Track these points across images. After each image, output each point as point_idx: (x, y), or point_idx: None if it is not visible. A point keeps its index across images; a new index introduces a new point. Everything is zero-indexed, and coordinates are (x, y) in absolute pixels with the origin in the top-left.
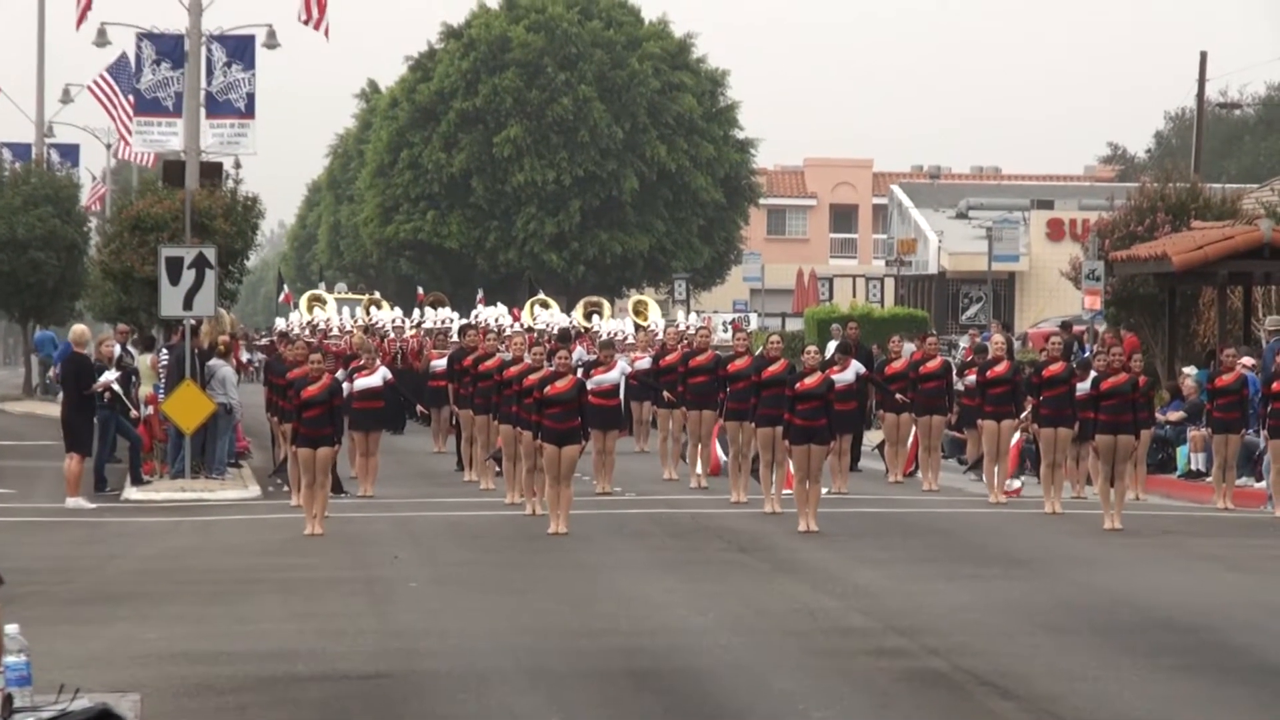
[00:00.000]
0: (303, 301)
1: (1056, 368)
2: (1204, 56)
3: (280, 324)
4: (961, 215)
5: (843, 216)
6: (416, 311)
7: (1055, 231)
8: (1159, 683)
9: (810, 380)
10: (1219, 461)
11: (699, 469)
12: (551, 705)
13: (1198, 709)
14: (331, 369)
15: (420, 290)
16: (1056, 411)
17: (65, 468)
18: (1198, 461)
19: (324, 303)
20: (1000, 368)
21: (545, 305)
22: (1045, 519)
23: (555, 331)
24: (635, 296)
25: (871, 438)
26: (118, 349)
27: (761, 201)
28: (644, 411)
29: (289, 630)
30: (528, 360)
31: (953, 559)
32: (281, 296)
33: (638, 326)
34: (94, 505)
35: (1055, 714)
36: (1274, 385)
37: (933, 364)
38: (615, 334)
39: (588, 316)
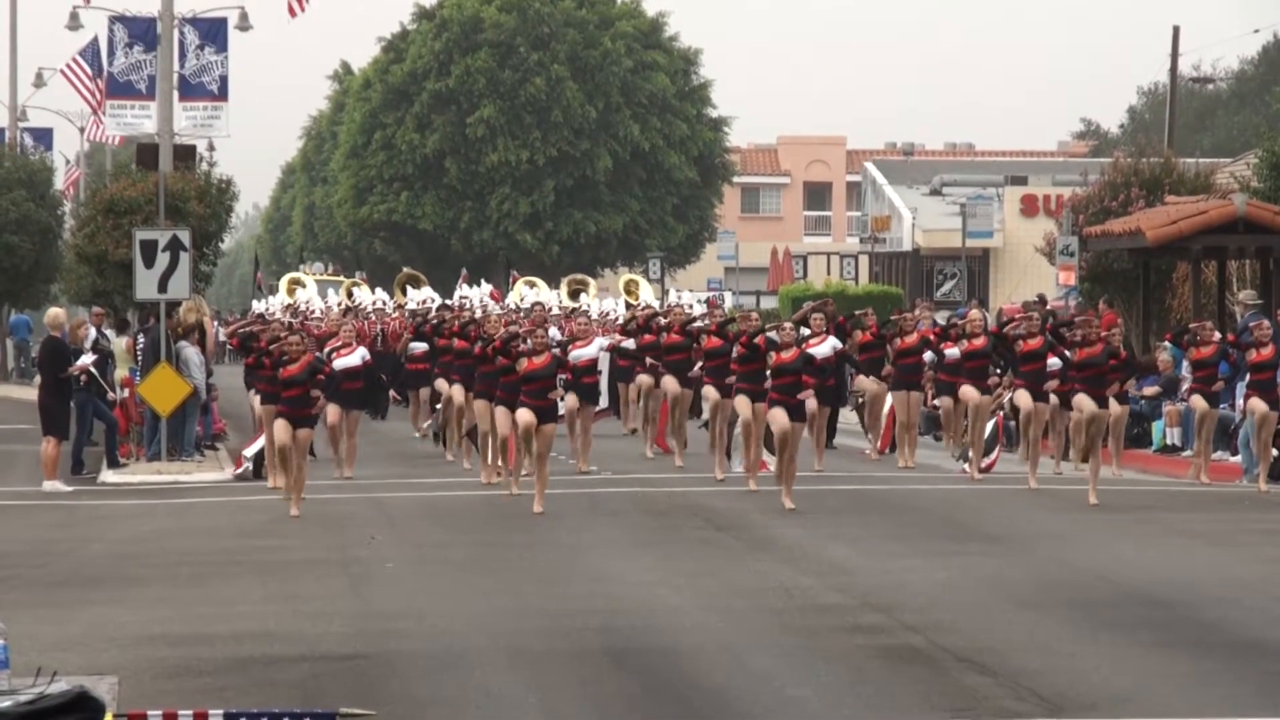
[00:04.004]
0: (282, 284)
1: (1034, 342)
2: (1176, 31)
3: (257, 306)
4: (935, 192)
5: (816, 194)
6: (399, 293)
7: (1029, 207)
8: (1136, 658)
9: (787, 355)
10: (1198, 435)
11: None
12: (530, 685)
13: (1174, 684)
14: (312, 350)
15: (404, 272)
16: (1034, 386)
17: (42, 451)
18: (1173, 436)
19: (304, 285)
20: (979, 342)
21: (532, 285)
22: (1022, 495)
23: (532, 309)
24: (627, 275)
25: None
26: (93, 332)
27: (735, 180)
28: (630, 392)
29: (266, 612)
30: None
31: (929, 536)
32: (256, 277)
33: (629, 306)
34: (70, 488)
35: (1032, 689)
36: (1253, 356)
37: (910, 339)
38: (607, 314)
39: (573, 295)
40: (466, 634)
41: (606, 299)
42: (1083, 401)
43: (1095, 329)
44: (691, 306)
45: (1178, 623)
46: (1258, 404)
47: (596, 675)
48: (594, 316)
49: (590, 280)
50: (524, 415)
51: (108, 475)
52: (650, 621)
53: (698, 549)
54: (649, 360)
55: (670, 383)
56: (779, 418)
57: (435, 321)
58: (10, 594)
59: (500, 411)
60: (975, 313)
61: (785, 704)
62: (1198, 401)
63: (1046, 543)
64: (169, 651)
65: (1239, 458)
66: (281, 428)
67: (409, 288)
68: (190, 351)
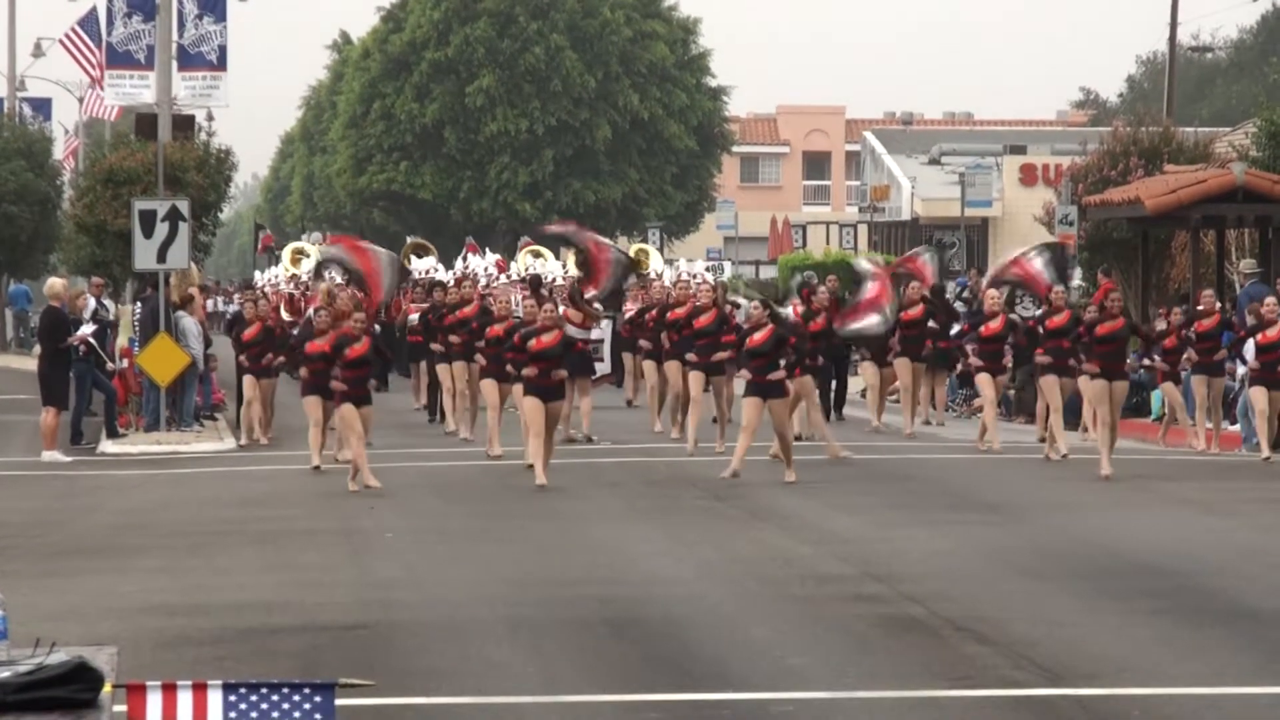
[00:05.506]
0: (285, 254)
1: (1060, 319)
2: (1175, 0)
3: (259, 278)
4: (934, 161)
5: (815, 163)
6: (405, 262)
7: (1028, 177)
8: (1136, 626)
9: (759, 336)
10: (1200, 405)
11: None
12: (529, 655)
13: (1174, 653)
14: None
15: (409, 241)
16: (1060, 361)
17: (41, 421)
18: None
19: (307, 255)
20: (995, 325)
21: (538, 255)
22: (1021, 465)
23: (529, 278)
24: (637, 245)
25: (853, 384)
26: (92, 302)
27: (734, 149)
28: (635, 364)
29: (266, 582)
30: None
31: (929, 505)
32: (261, 239)
33: (639, 276)
34: (70, 458)
35: (1032, 659)
36: (1260, 337)
37: (913, 312)
38: None
39: (581, 265)
40: (466, 604)
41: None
42: (1098, 387)
43: (1115, 301)
44: (700, 277)
45: (1177, 592)
46: (1258, 395)
47: (596, 645)
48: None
49: None
50: (530, 405)
51: (107, 445)
52: (650, 591)
53: (697, 519)
54: (642, 343)
55: (672, 368)
56: (748, 406)
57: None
58: (10, 564)
59: (513, 388)
60: (994, 291)
61: (785, 673)
62: (1198, 383)
63: (1045, 512)
64: (168, 622)
65: (1238, 426)
66: (347, 414)
67: (414, 257)
68: (188, 322)
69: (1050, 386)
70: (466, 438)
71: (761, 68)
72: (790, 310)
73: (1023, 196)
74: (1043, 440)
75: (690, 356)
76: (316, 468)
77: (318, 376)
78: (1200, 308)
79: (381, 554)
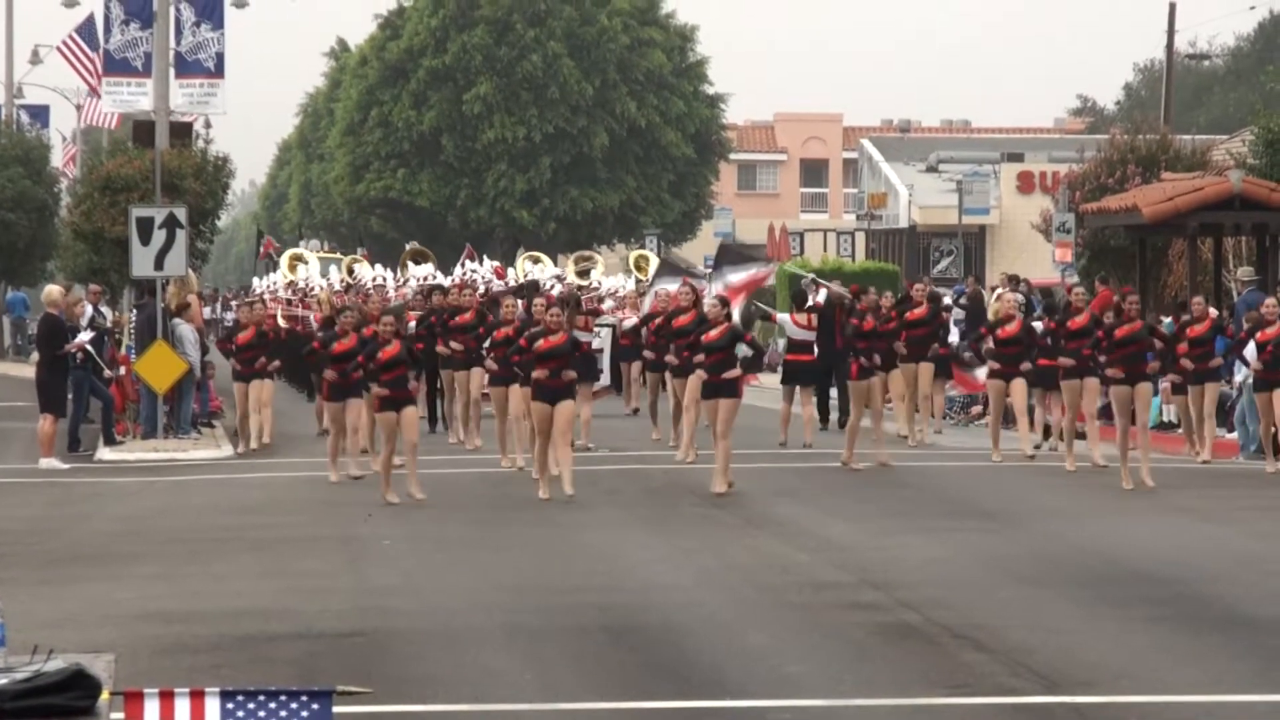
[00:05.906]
0: (284, 260)
1: (1081, 319)
2: (1173, 8)
3: (257, 284)
4: (932, 169)
5: (813, 171)
6: (404, 269)
7: (1025, 184)
8: (1133, 634)
9: (714, 332)
10: (1195, 412)
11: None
12: (527, 662)
13: (1171, 660)
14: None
15: (408, 248)
16: (1082, 363)
17: (39, 428)
18: (1169, 413)
19: (305, 261)
20: (1012, 326)
21: (536, 260)
22: (1017, 471)
23: (526, 282)
24: (637, 251)
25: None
26: (90, 309)
27: (732, 157)
28: (633, 371)
29: (263, 589)
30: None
31: (926, 513)
32: (262, 245)
33: (638, 282)
34: (67, 466)
35: (1029, 666)
36: (1260, 335)
37: (919, 310)
38: (615, 290)
39: (582, 273)
40: (464, 611)
41: (615, 275)
42: (1122, 394)
43: (1133, 304)
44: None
45: (1174, 599)
46: (1264, 402)
47: (594, 652)
48: (603, 293)
49: (598, 256)
50: (538, 407)
51: (104, 452)
52: (647, 598)
53: (695, 526)
54: (646, 354)
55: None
56: (706, 410)
57: (431, 315)
58: (7, 571)
59: (516, 392)
60: (1010, 295)
61: (782, 681)
62: (1194, 391)
63: (1043, 519)
64: (165, 629)
65: (1234, 434)
66: (386, 420)
67: (411, 264)
68: (185, 329)
69: (1072, 391)
70: (476, 446)
71: (759, 75)
72: (787, 318)
73: (1020, 204)
74: (1053, 449)
75: (669, 358)
76: (349, 477)
77: (344, 378)
78: (1192, 314)
79: (379, 561)
